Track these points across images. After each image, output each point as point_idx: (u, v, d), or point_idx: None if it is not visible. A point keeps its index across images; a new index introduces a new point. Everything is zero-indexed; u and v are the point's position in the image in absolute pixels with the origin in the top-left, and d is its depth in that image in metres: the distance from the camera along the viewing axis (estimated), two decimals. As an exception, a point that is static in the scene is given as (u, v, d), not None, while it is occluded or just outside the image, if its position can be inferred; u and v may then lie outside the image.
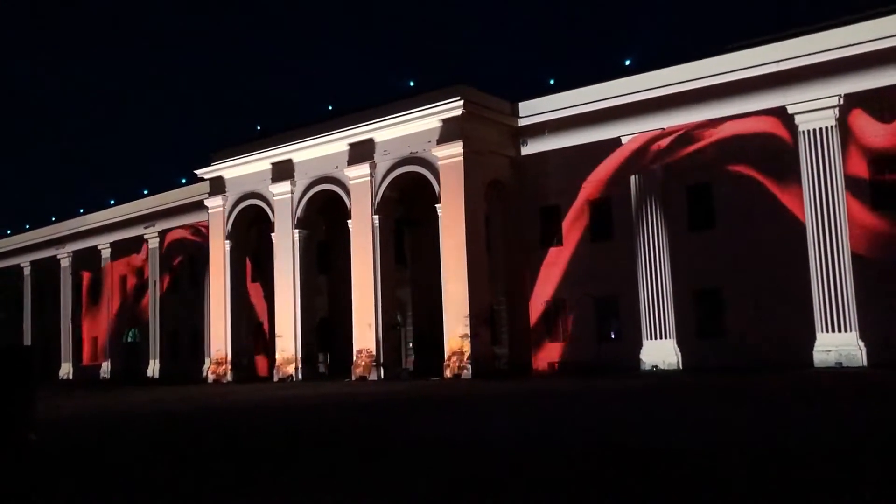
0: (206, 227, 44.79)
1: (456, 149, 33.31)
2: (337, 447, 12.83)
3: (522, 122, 36.00)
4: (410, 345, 39.80)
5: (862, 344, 27.42)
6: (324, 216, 40.76)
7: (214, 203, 43.29)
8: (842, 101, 28.33)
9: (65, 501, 9.09)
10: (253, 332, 44.27)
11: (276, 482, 9.51)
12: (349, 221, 37.17)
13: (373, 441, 13.45)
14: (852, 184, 28.35)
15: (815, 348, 28.08)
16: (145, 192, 54.28)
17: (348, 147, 37.30)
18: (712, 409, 16.25)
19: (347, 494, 8.69)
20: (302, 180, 39.49)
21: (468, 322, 32.37)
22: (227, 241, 42.65)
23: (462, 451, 11.54)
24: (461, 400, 22.30)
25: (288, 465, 10.95)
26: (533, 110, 35.86)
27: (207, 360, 44.36)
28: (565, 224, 35.25)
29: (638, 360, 31.86)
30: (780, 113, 29.47)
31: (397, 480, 9.40)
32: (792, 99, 29.15)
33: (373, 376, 35.08)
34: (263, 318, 44.61)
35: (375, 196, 36.31)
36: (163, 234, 51.70)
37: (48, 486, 10.11)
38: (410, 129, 35.02)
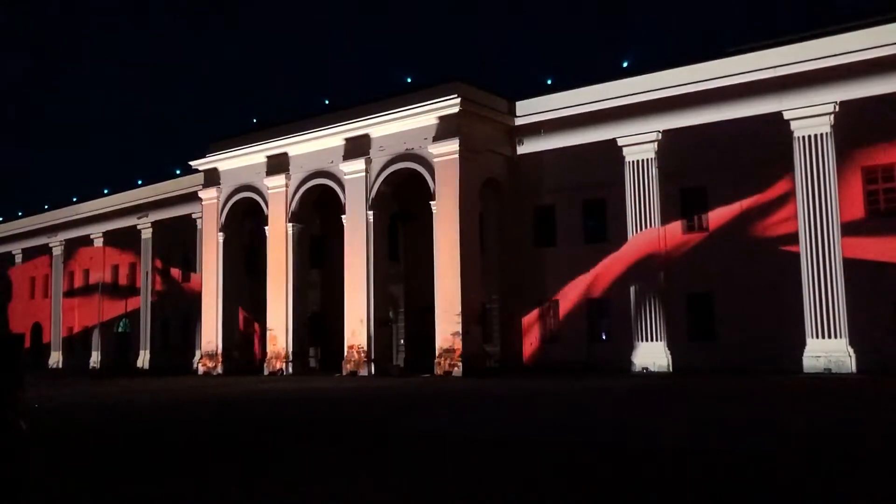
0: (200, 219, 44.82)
1: (452, 146, 33.28)
2: (324, 441, 12.84)
3: (519, 122, 35.99)
4: (402, 341, 39.79)
5: (851, 350, 27.54)
6: (318, 210, 40.67)
7: (208, 195, 43.17)
8: (837, 108, 28.44)
9: (55, 488, 9.08)
10: (244, 325, 44.12)
11: (265, 475, 9.51)
12: (343, 216, 37.10)
13: (360, 435, 13.46)
14: (846, 190, 28.46)
15: (804, 354, 28.18)
16: (139, 182, 54.15)
17: (344, 142, 37.22)
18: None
19: (336, 487, 8.70)
20: (297, 174, 39.40)
21: (460, 319, 32.35)
22: (221, 234, 42.57)
23: (447, 446, 11.57)
24: (449, 397, 22.32)
25: (276, 459, 10.94)
26: (530, 109, 35.85)
27: (198, 352, 44.24)
28: (559, 224, 35.31)
29: (629, 362, 31.92)
30: (776, 118, 29.54)
31: (384, 473, 9.41)
32: (788, 105, 29.22)
33: (363, 372, 35.04)
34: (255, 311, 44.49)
35: (370, 191, 36.26)
36: (156, 224, 51.54)
37: (39, 473, 10.09)
38: (407, 125, 34.97)
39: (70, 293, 59.10)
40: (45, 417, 16.72)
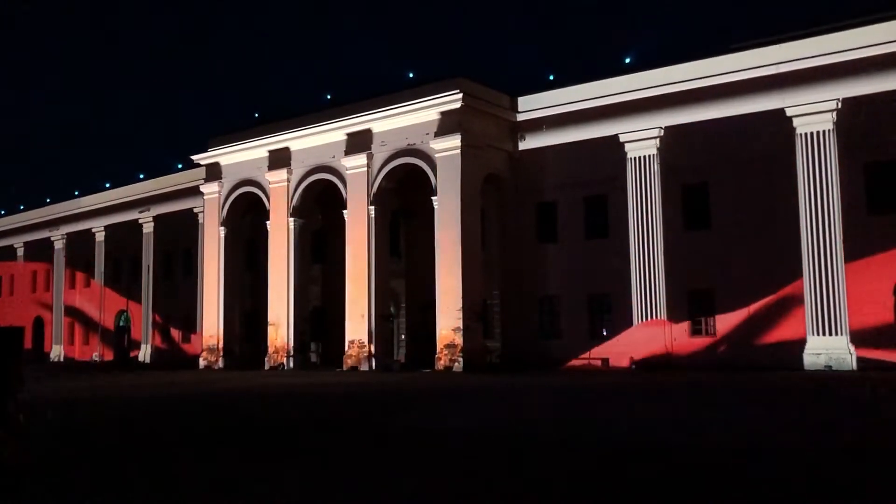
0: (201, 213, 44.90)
1: (453, 142, 33.25)
2: (325, 436, 12.86)
3: (521, 117, 35.93)
4: (403, 336, 39.79)
5: (852, 348, 27.50)
6: (319, 205, 40.67)
7: (210, 189, 43.17)
8: (840, 105, 28.35)
9: (55, 481, 9.08)
10: (244, 319, 44.13)
11: (269, 471, 9.52)
12: (345, 211, 37.09)
13: (360, 431, 13.47)
14: (848, 187, 28.38)
15: (805, 351, 28.14)
16: (141, 176, 54.16)
17: (346, 137, 37.19)
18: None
19: (338, 483, 8.70)
20: (298, 169, 39.39)
21: (461, 315, 32.36)
22: (222, 228, 42.57)
23: (445, 443, 11.58)
24: (451, 393, 22.31)
25: (275, 459, 10.95)
26: (531, 105, 35.79)
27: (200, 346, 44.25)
28: (560, 220, 35.26)
29: (630, 358, 31.86)
30: (779, 115, 29.45)
31: (380, 469, 9.41)
32: (790, 101, 29.16)
33: (364, 367, 35.07)
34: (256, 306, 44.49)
35: (372, 186, 36.25)
36: (157, 218, 51.51)
37: (39, 466, 10.11)
38: (408, 120, 34.95)
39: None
40: (47, 414, 16.73)
